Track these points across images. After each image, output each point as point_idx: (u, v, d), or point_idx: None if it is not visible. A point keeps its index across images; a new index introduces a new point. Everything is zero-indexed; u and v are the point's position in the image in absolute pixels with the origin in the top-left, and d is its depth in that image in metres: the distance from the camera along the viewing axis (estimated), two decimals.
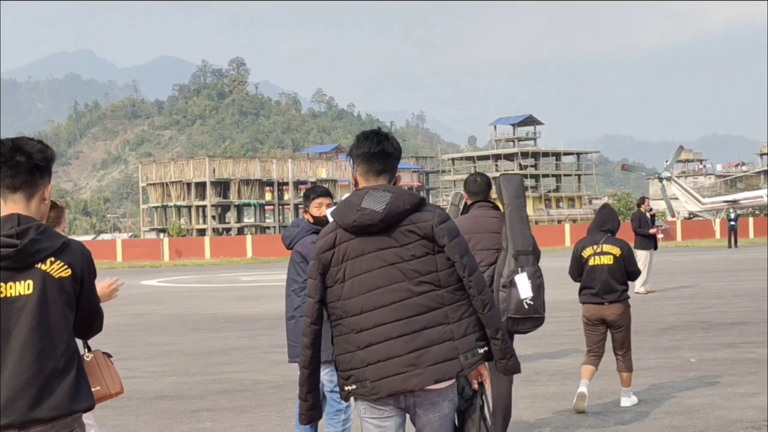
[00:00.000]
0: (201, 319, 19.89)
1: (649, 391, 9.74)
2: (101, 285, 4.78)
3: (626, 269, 9.09)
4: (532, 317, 6.24)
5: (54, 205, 5.22)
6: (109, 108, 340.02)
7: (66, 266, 3.53)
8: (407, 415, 4.26)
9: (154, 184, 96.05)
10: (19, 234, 3.47)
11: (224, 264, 51.50)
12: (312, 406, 4.36)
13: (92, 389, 4.46)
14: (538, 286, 6.33)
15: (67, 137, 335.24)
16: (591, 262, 9.08)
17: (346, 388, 4.21)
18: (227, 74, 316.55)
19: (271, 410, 9.42)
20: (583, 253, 9.17)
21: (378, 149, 4.23)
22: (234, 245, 59.40)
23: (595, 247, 9.10)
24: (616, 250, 9.04)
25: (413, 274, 4.10)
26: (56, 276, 3.50)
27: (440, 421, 4.17)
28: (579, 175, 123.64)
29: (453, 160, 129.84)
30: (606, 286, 9.03)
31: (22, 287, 3.46)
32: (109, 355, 4.81)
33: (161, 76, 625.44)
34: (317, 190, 6.82)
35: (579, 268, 9.25)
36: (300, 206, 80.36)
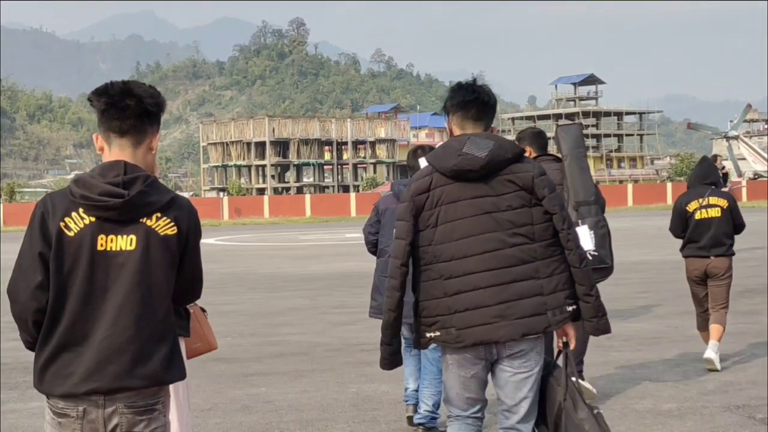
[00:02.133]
0: (259, 278, 19.55)
1: (731, 358, 9.07)
2: None
3: (734, 221, 8.84)
4: (598, 268, 6.10)
5: None
6: (170, 68, 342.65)
7: (172, 223, 3.26)
8: (495, 369, 4.19)
9: (215, 143, 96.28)
10: (126, 183, 3.19)
11: (283, 223, 51.38)
12: (396, 351, 4.32)
13: (192, 346, 4.80)
14: (602, 236, 6.29)
15: None
16: (697, 216, 8.80)
17: (428, 335, 4.16)
18: (287, 35, 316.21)
19: (329, 375, 8.96)
20: (687, 208, 8.89)
21: (473, 97, 4.20)
22: (293, 204, 59.26)
23: (700, 200, 8.82)
24: (723, 203, 8.80)
25: (508, 224, 4.05)
26: (162, 233, 3.23)
27: (526, 374, 4.13)
28: (641, 135, 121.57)
29: (513, 119, 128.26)
30: (714, 240, 8.76)
31: (124, 242, 3.19)
32: (204, 311, 4.92)
33: (222, 36, 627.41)
34: (426, 149, 6.47)
35: (683, 223, 8.94)
36: (359, 165, 79.68)
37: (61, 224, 3.18)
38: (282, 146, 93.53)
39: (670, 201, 60.45)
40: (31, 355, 3.32)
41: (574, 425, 4.11)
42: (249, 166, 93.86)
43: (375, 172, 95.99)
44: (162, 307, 3.26)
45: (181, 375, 3.35)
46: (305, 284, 17.90)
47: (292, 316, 13.38)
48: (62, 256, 3.19)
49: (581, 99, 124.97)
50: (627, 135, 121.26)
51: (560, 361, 4.34)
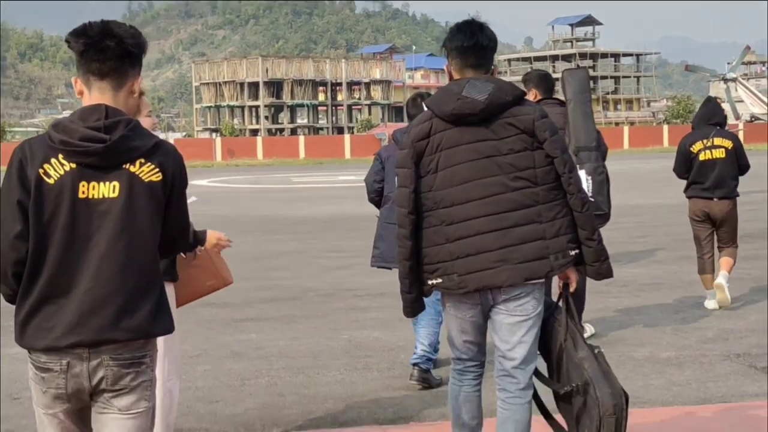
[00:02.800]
0: (251, 221, 19.35)
1: (731, 306, 8.89)
2: (212, 233, 4.64)
3: (738, 162, 8.73)
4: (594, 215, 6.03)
5: None
6: (162, 7, 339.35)
7: (157, 169, 3.11)
8: (491, 313, 4.16)
9: (207, 83, 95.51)
10: (107, 128, 3.05)
11: (277, 165, 51.12)
12: (416, 299, 4.26)
13: (206, 283, 4.80)
14: (600, 183, 6.25)
15: None
16: (702, 157, 8.70)
17: (430, 282, 4.13)
18: None
19: (320, 321, 8.79)
20: (692, 148, 8.77)
21: (471, 43, 4.09)
22: (287, 146, 58.99)
23: (705, 141, 8.69)
24: (728, 143, 8.69)
25: (509, 168, 3.99)
26: (146, 180, 3.10)
27: (523, 319, 4.09)
28: (638, 77, 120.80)
29: (509, 61, 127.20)
30: (718, 181, 8.69)
31: (107, 189, 3.06)
32: None
33: None
34: (425, 95, 6.25)
35: (687, 164, 8.84)
36: (354, 107, 79.34)
37: (40, 171, 3.04)
38: (275, 87, 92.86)
39: (666, 144, 60.29)
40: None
41: (575, 365, 4.09)
42: (242, 107, 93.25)
43: (370, 113, 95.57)
44: (147, 256, 3.13)
45: (168, 328, 3.22)
46: (298, 227, 17.72)
47: (285, 260, 13.21)
48: (42, 204, 3.05)
49: (578, 40, 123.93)
50: (624, 77, 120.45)
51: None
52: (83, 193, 3.05)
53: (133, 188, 3.07)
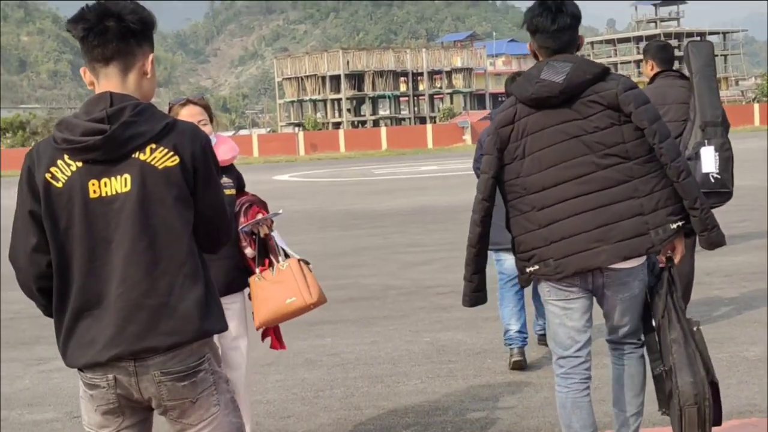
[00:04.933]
0: (330, 215, 18.99)
1: None
2: None
3: None
4: (718, 191, 6.11)
5: (190, 102, 4.61)
6: (244, 5, 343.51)
7: (171, 152, 2.82)
8: (594, 298, 4.09)
9: (290, 78, 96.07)
10: (111, 117, 2.79)
11: (359, 157, 50.94)
12: (477, 288, 4.21)
13: (286, 300, 4.49)
14: (725, 159, 6.16)
15: (205, 35, 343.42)
16: None
17: (527, 270, 4.05)
18: None
19: (400, 323, 8.26)
20: None
21: (553, 28, 3.96)
22: (369, 138, 58.81)
23: None
24: None
25: (598, 146, 3.90)
26: (159, 166, 2.81)
27: (630, 302, 4.04)
28: (725, 56, 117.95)
29: (592, 44, 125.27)
30: None
31: (119, 184, 2.80)
32: (307, 263, 4.59)
33: None
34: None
35: None
36: (436, 96, 79.16)
37: (47, 175, 2.82)
38: (357, 79, 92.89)
39: (757, 122, 58.50)
40: None
41: (666, 346, 4.03)
42: (324, 101, 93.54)
43: (452, 102, 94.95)
44: (179, 249, 2.83)
45: (215, 325, 2.90)
46: (378, 221, 17.26)
47: (363, 257, 12.77)
48: (54, 211, 2.83)
49: (662, 20, 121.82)
50: None
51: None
52: (95, 192, 2.81)
53: (146, 178, 2.80)
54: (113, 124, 2.77)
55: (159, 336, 2.80)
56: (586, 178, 3.91)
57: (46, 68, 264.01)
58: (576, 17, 4.02)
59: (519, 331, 6.46)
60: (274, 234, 4.64)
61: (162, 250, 2.82)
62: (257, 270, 4.59)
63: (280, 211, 4.74)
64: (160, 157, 2.81)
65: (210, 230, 2.97)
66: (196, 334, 2.84)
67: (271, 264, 4.59)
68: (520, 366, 6.39)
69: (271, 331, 4.89)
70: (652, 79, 6.66)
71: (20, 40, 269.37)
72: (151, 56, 2.94)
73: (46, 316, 2.97)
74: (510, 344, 6.50)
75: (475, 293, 4.23)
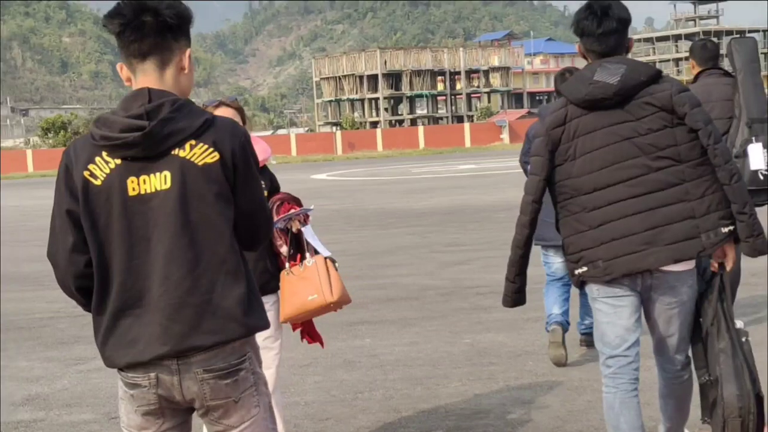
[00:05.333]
0: (368, 214, 18.91)
1: None
2: None
3: None
4: (767, 189, 6.01)
5: (223, 104, 4.56)
6: (282, 5, 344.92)
7: (211, 149, 2.79)
8: (643, 302, 4.04)
9: (328, 78, 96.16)
10: (150, 113, 2.75)
11: (396, 156, 50.87)
12: (519, 289, 4.20)
13: (308, 297, 4.44)
14: None
15: (244, 35, 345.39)
16: None
17: (576, 272, 4.02)
18: None
19: (440, 324, 8.15)
20: None
21: (599, 32, 3.95)
22: (406, 137, 58.80)
23: None
24: None
25: (650, 149, 3.87)
26: (199, 163, 2.78)
27: (678, 308, 4.00)
28: (765, 54, 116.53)
29: None
30: None
31: (158, 181, 2.77)
32: (333, 261, 4.55)
33: None
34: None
35: None
36: (473, 95, 78.74)
37: (85, 173, 2.78)
38: (394, 78, 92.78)
39: None
40: None
41: (714, 355, 4.01)
42: (362, 100, 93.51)
43: (489, 101, 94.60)
44: (220, 247, 2.81)
45: (257, 322, 2.87)
46: (416, 220, 17.16)
47: (401, 256, 12.65)
48: (92, 209, 2.79)
49: (701, 18, 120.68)
50: None
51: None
52: (134, 189, 2.77)
53: (186, 175, 2.77)
54: (152, 120, 2.74)
55: (203, 335, 2.77)
56: (638, 180, 3.89)
57: (87, 69, 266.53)
58: (623, 21, 3.99)
59: (561, 314, 6.49)
60: (306, 230, 4.58)
61: (203, 247, 2.79)
62: (287, 264, 4.54)
63: (312, 207, 4.68)
64: (199, 154, 2.78)
65: (250, 227, 2.93)
66: (239, 331, 2.82)
67: (302, 260, 4.54)
68: (559, 347, 6.40)
69: (300, 325, 4.82)
70: (696, 77, 6.59)
71: (62, 42, 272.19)
72: (188, 51, 2.91)
73: (88, 312, 2.94)
74: (551, 323, 6.50)
75: (517, 294, 4.22)
